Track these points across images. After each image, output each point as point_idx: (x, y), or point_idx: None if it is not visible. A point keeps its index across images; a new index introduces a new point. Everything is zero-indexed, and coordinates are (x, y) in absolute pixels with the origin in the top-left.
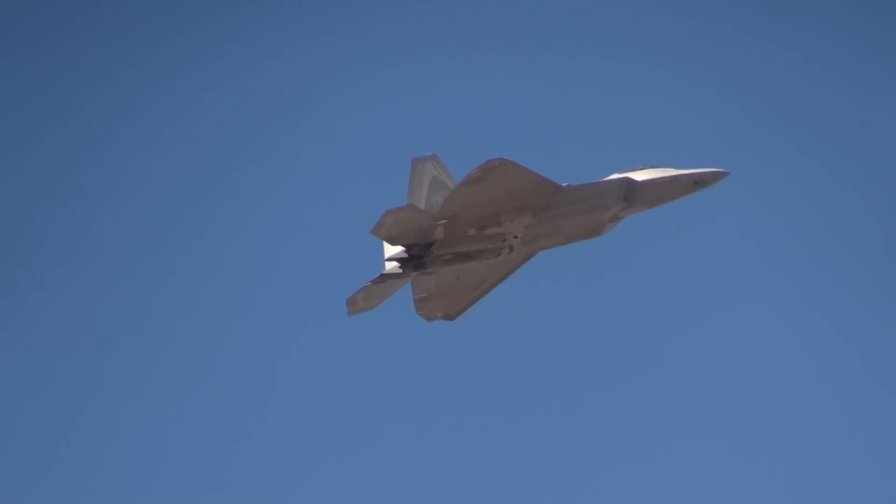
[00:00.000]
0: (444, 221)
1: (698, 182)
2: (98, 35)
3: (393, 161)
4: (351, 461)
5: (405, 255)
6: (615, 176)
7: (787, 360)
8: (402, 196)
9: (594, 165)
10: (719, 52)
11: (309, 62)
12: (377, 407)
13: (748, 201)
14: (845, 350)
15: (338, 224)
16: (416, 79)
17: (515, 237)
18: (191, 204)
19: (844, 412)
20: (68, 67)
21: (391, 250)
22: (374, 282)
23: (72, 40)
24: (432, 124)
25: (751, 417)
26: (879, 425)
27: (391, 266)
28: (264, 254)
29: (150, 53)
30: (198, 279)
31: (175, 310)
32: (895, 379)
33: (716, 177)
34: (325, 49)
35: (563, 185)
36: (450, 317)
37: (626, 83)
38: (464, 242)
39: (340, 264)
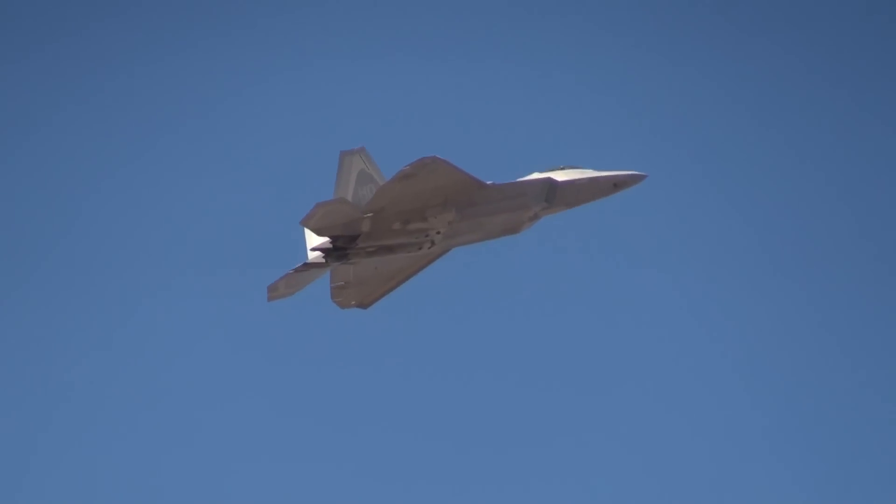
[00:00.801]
0: (370, 215)
1: (617, 184)
2: None
3: (321, 153)
4: (256, 443)
5: (330, 246)
6: (537, 175)
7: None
8: (329, 187)
9: (516, 163)
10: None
11: (239, 51)
12: (289, 391)
13: (662, 204)
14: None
15: (264, 213)
16: (347, 72)
17: (438, 232)
18: (127, 179)
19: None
20: None
21: (315, 240)
22: (297, 270)
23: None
24: (360, 118)
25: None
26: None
27: (314, 256)
28: (192, 238)
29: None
30: (127, 258)
31: (99, 291)
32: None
33: (634, 179)
34: (260, 38)
35: (488, 182)
36: (363, 305)
37: (550, 83)
38: (388, 236)
39: (264, 252)
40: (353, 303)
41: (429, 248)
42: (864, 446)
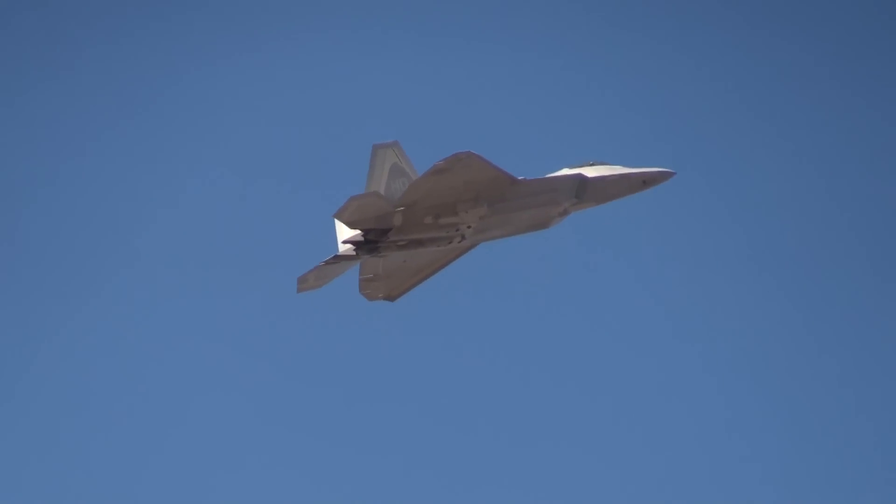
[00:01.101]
0: (402, 208)
1: (647, 181)
2: None
3: (354, 145)
4: (283, 432)
5: (361, 239)
6: (567, 171)
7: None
8: (361, 180)
9: (545, 158)
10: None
11: (271, 42)
12: (316, 381)
13: (692, 201)
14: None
15: (295, 204)
16: (380, 65)
17: (469, 227)
18: (154, 171)
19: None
20: None
21: (346, 233)
22: (327, 262)
23: None
24: (393, 111)
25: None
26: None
27: (345, 248)
28: (221, 229)
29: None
30: (154, 249)
31: (130, 279)
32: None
33: (663, 176)
34: (291, 31)
35: (520, 178)
36: (391, 298)
37: (582, 80)
38: (419, 230)
39: (295, 243)
40: (381, 295)
41: (459, 241)
42: (865, 446)
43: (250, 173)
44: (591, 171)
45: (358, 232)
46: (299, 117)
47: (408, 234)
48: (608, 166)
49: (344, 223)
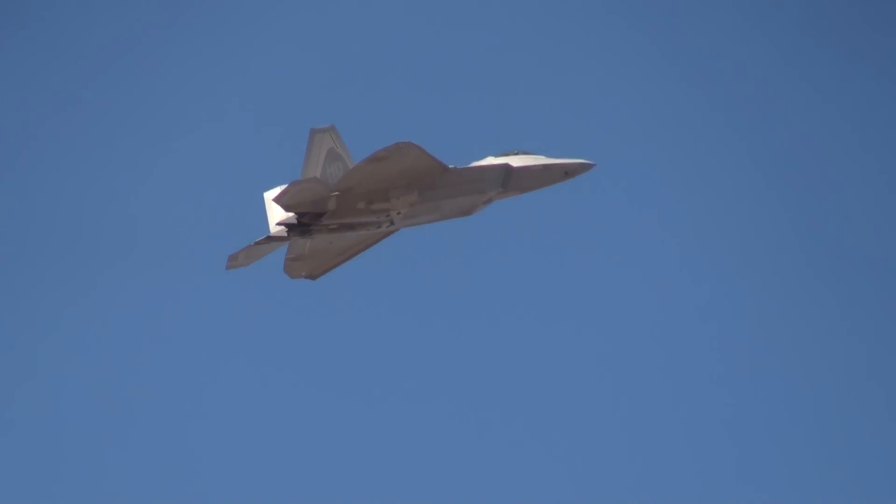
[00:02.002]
0: (337, 193)
1: (568, 172)
2: None
3: (290, 127)
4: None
5: (294, 222)
6: (493, 160)
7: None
8: (295, 161)
9: (472, 145)
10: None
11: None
12: (237, 356)
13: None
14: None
15: (228, 183)
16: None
17: (398, 213)
18: (87, 146)
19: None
20: None
21: (277, 213)
22: (258, 243)
23: None
24: (331, 93)
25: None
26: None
27: (277, 230)
28: (155, 202)
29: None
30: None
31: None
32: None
33: (583, 168)
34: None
35: (451, 166)
36: (313, 277)
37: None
38: (352, 214)
39: (224, 219)
40: (304, 274)
41: (387, 227)
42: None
43: (180, 153)
44: (516, 161)
45: (291, 214)
46: (240, 94)
47: (340, 219)
48: (532, 156)
49: (281, 206)
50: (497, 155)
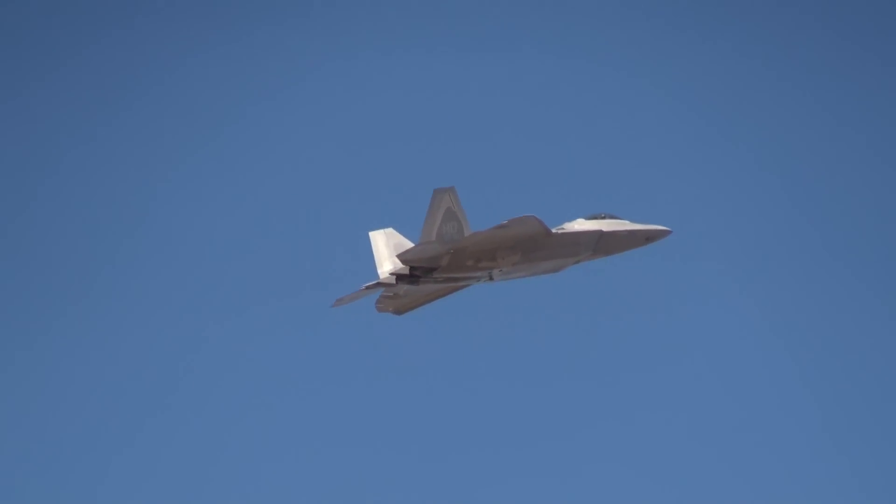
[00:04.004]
0: (452, 252)
1: (649, 238)
2: None
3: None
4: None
5: (406, 273)
6: (584, 222)
7: None
8: (415, 217)
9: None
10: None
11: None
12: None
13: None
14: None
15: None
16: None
17: (500, 270)
18: (193, 194)
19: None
20: None
21: (385, 256)
22: (368, 287)
23: None
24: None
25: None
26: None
27: (387, 278)
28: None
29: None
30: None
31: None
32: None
33: (662, 234)
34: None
35: (553, 230)
36: (398, 312)
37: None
38: (460, 270)
39: (333, 259)
40: (391, 310)
41: (486, 281)
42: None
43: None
44: (606, 226)
45: (404, 266)
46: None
47: (449, 273)
48: (618, 220)
49: (401, 261)
50: (587, 217)
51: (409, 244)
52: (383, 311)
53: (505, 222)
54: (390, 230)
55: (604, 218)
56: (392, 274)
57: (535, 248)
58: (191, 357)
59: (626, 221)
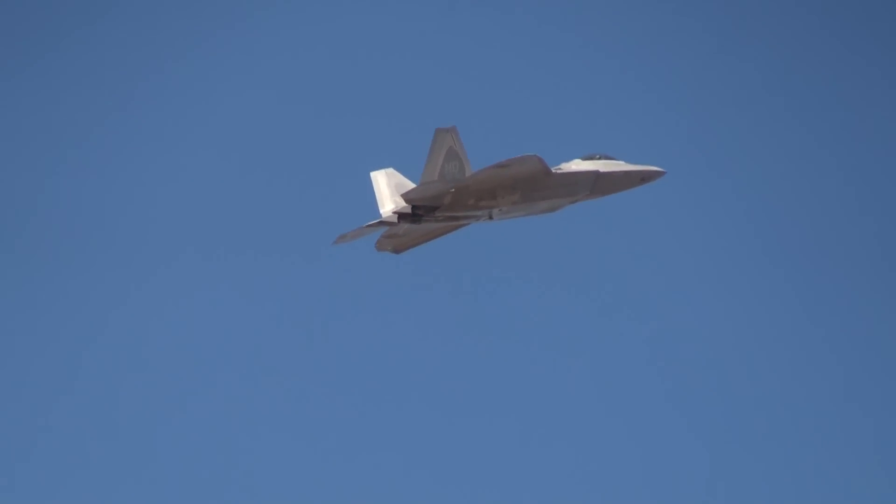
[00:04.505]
0: (454, 191)
1: (644, 178)
2: None
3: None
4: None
5: (409, 212)
6: (581, 163)
7: None
8: (415, 156)
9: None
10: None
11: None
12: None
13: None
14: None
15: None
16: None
17: (499, 209)
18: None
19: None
20: None
21: (386, 197)
22: (370, 225)
23: None
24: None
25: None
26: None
27: (389, 216)
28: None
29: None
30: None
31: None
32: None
33: (657, 175)
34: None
35: (552, 169)
36: (397, 251)
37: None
38: (462, 209)
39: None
40: (390, 248)
41: (485, 220)
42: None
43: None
44: (602, 167)
45: (406, 204)
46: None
47: (450, 212)
48: (613, 161)
49: (405, 200)
50: (583, 158)
51: (409, 184)
52: (382, 250)
53: (506, 161)
54: (391, 170)
55: (599, 159)
56: (394, 212)
57: (534, 187)
58: (197, 294)
59: (622, 162)
